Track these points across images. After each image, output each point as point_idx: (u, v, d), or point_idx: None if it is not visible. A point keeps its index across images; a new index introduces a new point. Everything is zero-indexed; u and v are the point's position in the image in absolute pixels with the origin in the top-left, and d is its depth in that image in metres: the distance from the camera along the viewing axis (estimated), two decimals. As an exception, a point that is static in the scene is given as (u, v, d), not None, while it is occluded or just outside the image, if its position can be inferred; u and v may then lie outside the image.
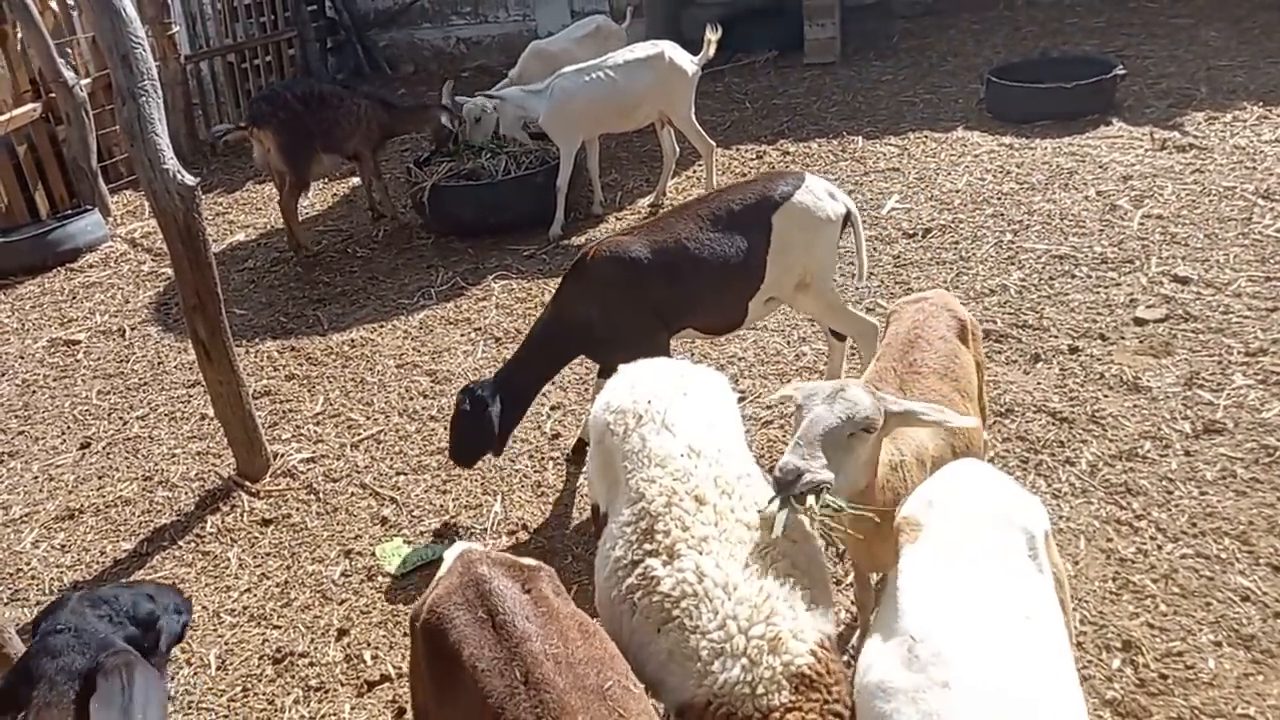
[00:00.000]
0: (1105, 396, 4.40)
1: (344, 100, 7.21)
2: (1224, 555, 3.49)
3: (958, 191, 6.66)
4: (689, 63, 6.76)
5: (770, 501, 2.29)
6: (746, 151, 7.98)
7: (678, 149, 7.31)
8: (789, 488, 2.22)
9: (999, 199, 6.45)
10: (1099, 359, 4.67)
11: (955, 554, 2.21)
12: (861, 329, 4.39)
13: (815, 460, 2.25)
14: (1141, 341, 4.75)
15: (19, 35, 8.23)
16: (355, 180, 8.37)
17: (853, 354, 4.72)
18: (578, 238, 6.97)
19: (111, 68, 4.12)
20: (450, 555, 2.42)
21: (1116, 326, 4.90)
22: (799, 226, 4.05)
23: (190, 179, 4.21)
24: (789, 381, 4.70)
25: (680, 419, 2.57)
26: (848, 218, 4.19)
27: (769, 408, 4.59)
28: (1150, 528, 3.67)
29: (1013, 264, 5.65)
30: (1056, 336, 4.90)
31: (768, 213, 4.05)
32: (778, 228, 4.04)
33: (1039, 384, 4.58)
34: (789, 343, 5.26)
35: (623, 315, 4.06)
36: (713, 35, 6.64)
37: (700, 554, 2.27)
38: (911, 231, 6.23)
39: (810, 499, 2.22)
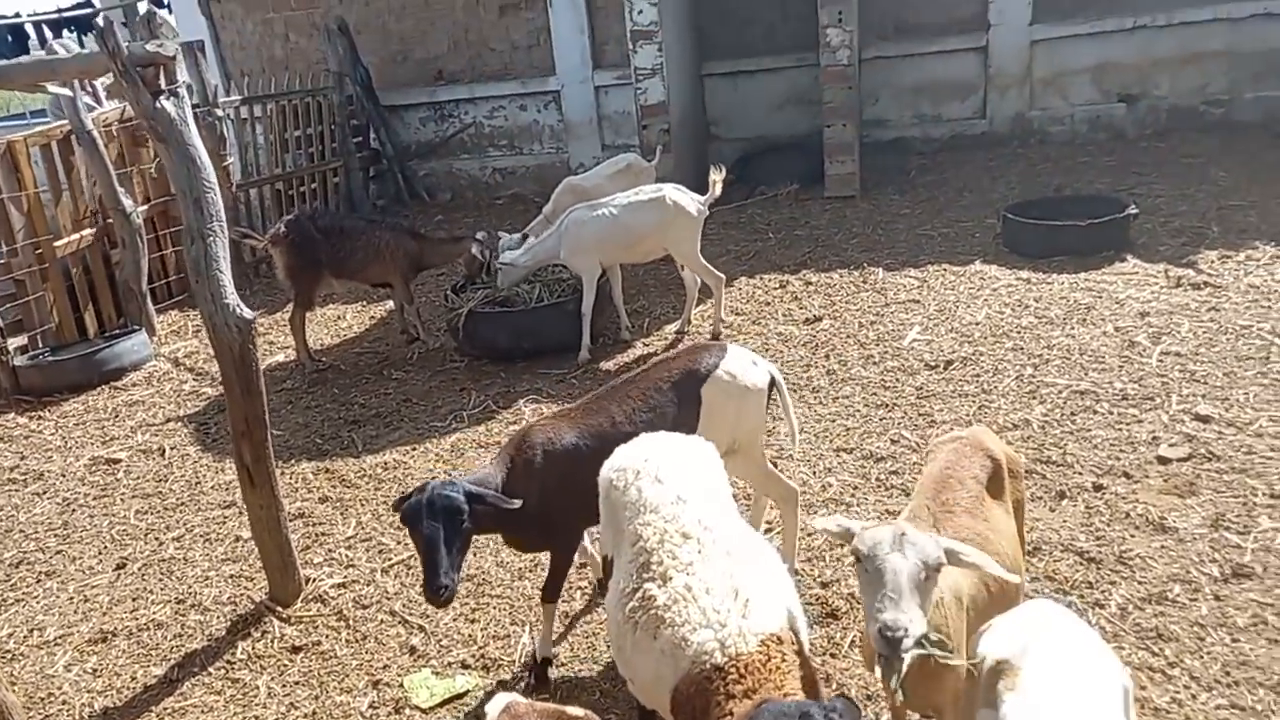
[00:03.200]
0: (1132, 536, 4.42)
1: (365, 233, 7.67)
2: (1259, 706, 3.45)
3: (977, 324, 6.82)
4: (692, 203, 7.06)
5: (880, 659, 2.37)
6: (769, 280, 8.24)
7: (699, 279, 7.58)
8: (897, 646, 2.30)
9: (1018, 332, 6.60)
10: (1124, 497, 4.71)
11: (1062, 706, 2.25)
12: (784, 493, 4.47)
13: (912, 611, 2.36)
14: (1166, 480, 4.79)
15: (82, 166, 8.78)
16: (390, 304, 8.68)
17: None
18: (606, 362, 7.18)
19: (184, 209, 4.40)
20: (493, 709, 2.42)
21: (1140, 464, 4.94)
22: (727, 395, 4.12)
23: (249, 313, 4.44)
24: (815, 514, 4.76)
25: (670, 474, 3.02)
26: (773, 384, 4.25)
27: (810, 534, 4.51)
28: (1184, 675, 3.63)
29: (1034, 398, 5.74)
30: (1080, 473, 4.95)
31: (697, 385, 4.12)
32: (707, 399, 4.11)
33: (1065, 522, 4.61)
34: (814, 473, 5.33)
35: (556, 503, 3.93)
36: (717, 176, 6.97)
37: (688, 575, 2.69)
38: (933, 363, 6.37)
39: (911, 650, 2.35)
